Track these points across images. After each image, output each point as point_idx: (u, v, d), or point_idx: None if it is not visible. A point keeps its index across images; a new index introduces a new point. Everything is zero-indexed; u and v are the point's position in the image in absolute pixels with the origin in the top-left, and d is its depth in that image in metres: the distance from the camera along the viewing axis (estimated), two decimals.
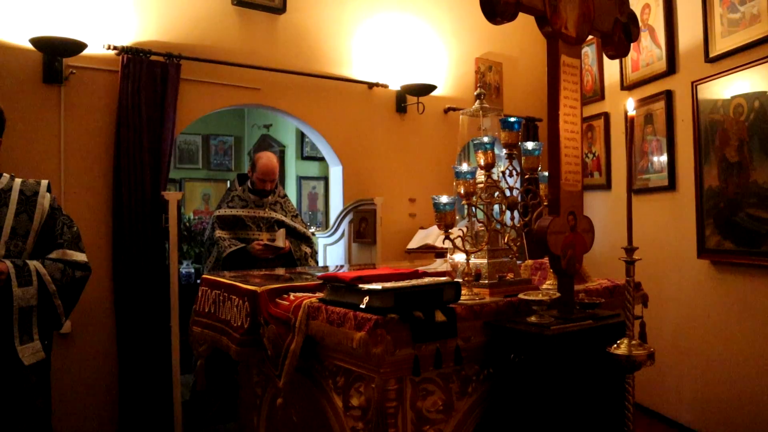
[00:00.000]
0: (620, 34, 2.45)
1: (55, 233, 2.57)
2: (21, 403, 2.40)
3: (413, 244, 4.85)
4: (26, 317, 2.38)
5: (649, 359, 1.90)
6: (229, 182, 8.12)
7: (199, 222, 7.55)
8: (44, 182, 2.62)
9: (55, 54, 3.60)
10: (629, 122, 2.08)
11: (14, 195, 2.49)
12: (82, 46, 3.54)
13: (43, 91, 3.69)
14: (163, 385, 3.87)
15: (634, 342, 1.91)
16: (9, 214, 2.45)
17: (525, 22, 2.33)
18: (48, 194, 2.60)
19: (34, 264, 2.42)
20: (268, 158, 4.26)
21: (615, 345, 1.93)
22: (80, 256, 2.60)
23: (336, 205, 5.10)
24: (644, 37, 4.69)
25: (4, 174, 2.54)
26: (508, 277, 2.41)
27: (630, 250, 1.93)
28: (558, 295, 2.15)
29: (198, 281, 5.29)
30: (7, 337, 2.34)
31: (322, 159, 7.43)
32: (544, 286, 2.48)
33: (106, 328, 3.85)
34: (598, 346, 1.99)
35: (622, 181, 5.17)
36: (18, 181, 2.55)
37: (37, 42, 3.46)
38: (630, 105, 2.02)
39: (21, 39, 3.55)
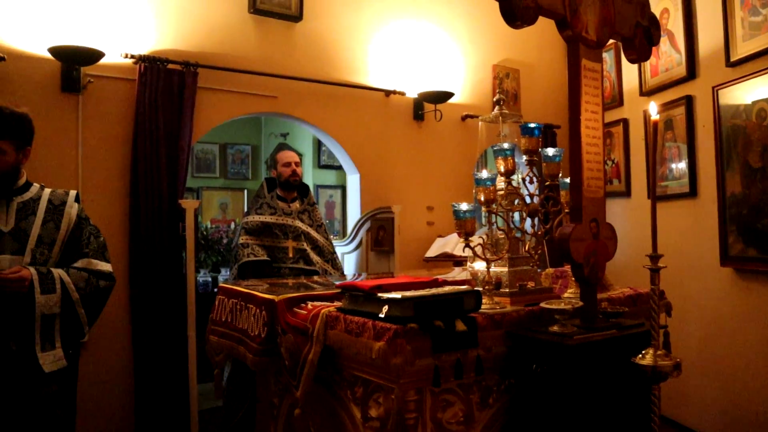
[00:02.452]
0: (641, 38, 2.41)
1: (81, 242, 2.60)
2: (41, 412, 2.40)
3: (431, 253, 4.81)
4: (48, 325, 2.40)
5: (676, 370, 1.85)
6: (255, 189, 8.11)
7: (217, 231, 7.56)
8: (72, 192, 2.67)
9: (73, 63, 3.63)
10: (652, 126, 2.04)
11: (42, 204, 2.54)
12: (99, 54, 3.56)
13: (61, 99, 3.72)
14: (179, 393, 3.86)
15: (659, 352, 1.86)
16: (36, 222, 2.49)
17: (542, 28, 2.31)
18: (76, 204, 2.64)
19: (58, 272, 2.45)
20: (284, 150, 4.37)
21: (640, 355, 1.88)
22: (105, 266, 2.63)
23: (353, 213, 5.08)
24: (663, 42, 4.63)
25: (34, 183, 2.58)
26: (529, 286, 2.37)
27: (655, 257, 1.89)
28: (581, 304, 2.10)
29: (215, 290, 5.29)
30: (29, 344, 2.35)
31: (339, 167, 7.42)
32: (566, 295, 2.44)
33: (122, 337, 3.85)
34: (623, 356, 1.94)
35: (641, 188, 5.10)
36: (47, 190, 2.60)
37: (55, 51, 3.48)
38: (653, 109, 1.97)
39: (40, 48, 3.58)
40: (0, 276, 2.29)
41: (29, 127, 2.53)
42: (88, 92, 3.79)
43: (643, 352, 1.88)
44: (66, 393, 2.52)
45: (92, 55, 3.54)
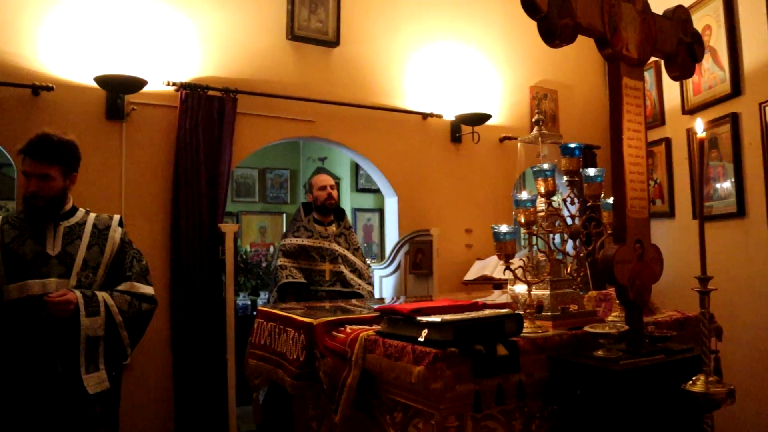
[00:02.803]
0: (684, 55, 2.36)
1: (124, 266, 2.65)
2: None
3: (470, 275, 4.76)
4: (93, 347, 2.45)
5: (729, 397, 1.77)
6: (293, 213, 8.18)
7: (256, 254, 7.63)
8: (116, 217, 2.74)
9: (118, 91, 3.74)
10: (698, 144, 1.98)
11: (88, 228, 2.61)
12: (142, 83, 3.66)
13: (106, 127, 3.82)
14: (219, 416, 3.87)
15: (711, 378, 1.79)
16: (82, 246, 2.55)
17: (579, 48, 2.28)
18: (120, 228, 2.70)
19: (102, 295, 2.50)
20: (320, 174, 4.47)
21: (690, 382, 1.81)
22: (147, 289, 2.68)
23: (391, 236, 5.06)
24: (706, 59, 4.53)
25: (80, 208, 2.65)
26: (571, 309, 2.31)
27: (704, 279, 1.82)
28: (626, 327, 2.04)
29: (254, 313, 5.31)
30: (74, 366, 2.39)
31: (376, 191, 7.44)
32: (610, 319, 2.37)
33: (162, 358, 3.88)
34: (672, 382, 1.87)
35: (685, 208, 4.97)
36: (92, 215, 2.67)
37: (101, 80, 3.59)
38: (699, 126, 1.92)
39: (86, 78, 3.70)
40: (47, 299, 2.34)
41: (76, 153, 2.60)
42: (132, 119, 3.88)
43: (694, 378, 1.81)
44: (109, 414, 2.55)
45: (136, 84, 3.64)
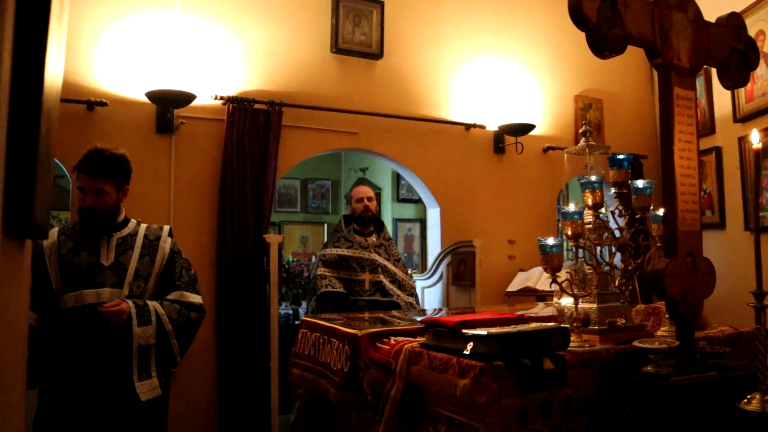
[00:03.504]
0: (738, 63, 2.31)
1: (174, 275, 2.71)
2: None
3: (513, 287, 4.71)
4: (145, 355, 2.51)
5: None
6: (334, 223, 8.25)
7: (298, 264, 7.69)
8: (166, 227, 2.81)
9: (168, 106, 3.83)
10: (754, 155, 1.93)
11: (139, 239, 2.68)
12: (191, 97, 3.74)
13: (156, 140, 3.93)
14: (261, 424, 3.91)
15: (767, 397, 1.73)
16: (134, 256, 2.62)
17: (624, 56, 2.24)
18: (169, 239, 2.77)
19: (153, 304, 2.56)
20: (359, 186, 4.52)
21: (745, 400, 1.75)
22: (196, 298, 2.73)
23: (434, 247, 5.05)
24: (759, 66, 4.40)
25: (131, 219, 2.72)
26: (619, 323, 2.27)
27: (760, 294, 1.77)
28: (676, 343, 1.99)
29: (296, 322, 5.34)
30: (127, 374, 2.46)
31: (418, 201, 7.43)
32: (659, 333, 2.32)
33: (207, 366, 3.95)
34: (725, 400, 1.81)
35: (736, 219, 4.83)
36: (143, 226, 2.74)
37: (151, 95, 3.69)
38: (755, 137, 1.87)
39: (138, 93, 3.81)
40: (102, 309, 2.41)
41: (128, 167, 2.68)
42: (180, 133, 3.98)
43: (749, 396, 1.75)
44: (159, 420, 2.61)
45: (185, 98, 3.73)
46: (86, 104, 3.70)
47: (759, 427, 1.75)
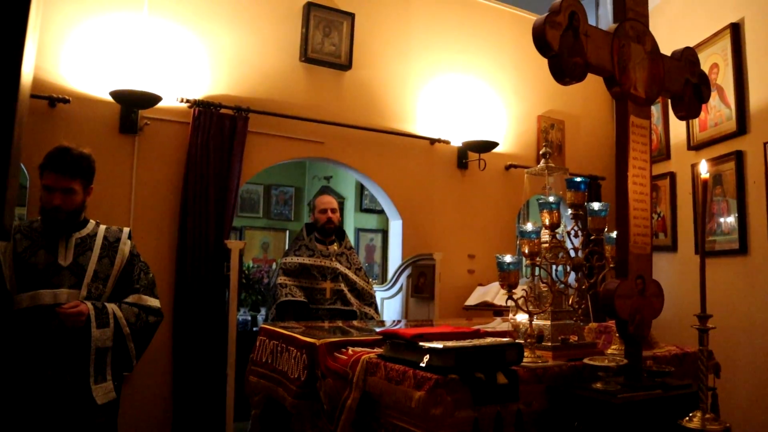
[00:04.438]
0: (691, 95, 2.41)
1: (132, 278, 2.70)
2: None
3: (471, 301, 4.78)
4: (102, 358, 2.49)
5: None
6: (296, 230, 8.23)
7: (258, 270, 7.65)
8: (126, 230, 2.78)
9: (132, 106, 3.80)
10: (702, 185, 2.03)
11: (98, 240, 2.65)
12: (157, 99, 3.72)
13: (119, 140, 3.88)
14: (216, 430, 3.87)
15: (708, 416, 1.81)
16: (93, 258, 2.59)
17: (587, 81, 2.33)
18: (129, 241, 2.75)
19: (112, 307, 2.54)
20: (324, 195, 4.56)
21: (687, 418, 1.83)
22: (154, 302, 2.72)
23: (395, 258, 5.09)
24: (713, 97, 4.59)
25: (91, 220, 2.69)
26: (571, 340, 2.34)
27: (703, 317, 1.85)
28: (625, 361, 2.06)
29: (255, 329, 5.30)
30: (83, 377, 2.43)
31: (380, 212, 7.48)
32: (610, 351, 2.39)
33: (163, 371, 3.90)
34: (669, 417, 1.89)
35: (688, 242, 5.00)
36: (102, 227, 2.71)
37: (116, 95, 3.66)
38: (703, 168, 1.96)
39: (102, 92, 3.77)
40: (60, 310, 2.38)
41: (93, 167, 2.66)
42: (144, 134, 3.94)
43: (691, 414, 1.83)
44: (110, 425, 2.58)
45: (150, 99, 3.70)
46: (48, 100, 3.63)
47: None
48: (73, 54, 3.77)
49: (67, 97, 3.66)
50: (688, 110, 2.43)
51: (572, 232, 2.41)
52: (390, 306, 5.07)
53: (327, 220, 4.30)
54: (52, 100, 3.63)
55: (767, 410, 4.06)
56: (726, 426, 1.79)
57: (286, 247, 8.23)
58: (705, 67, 4.61)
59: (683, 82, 2.39)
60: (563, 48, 1.95)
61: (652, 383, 2.08)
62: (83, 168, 2.57)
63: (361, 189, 8.03)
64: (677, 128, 5.12)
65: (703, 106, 3.96)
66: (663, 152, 5.30)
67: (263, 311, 6.74)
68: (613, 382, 2.01)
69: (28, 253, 2.50)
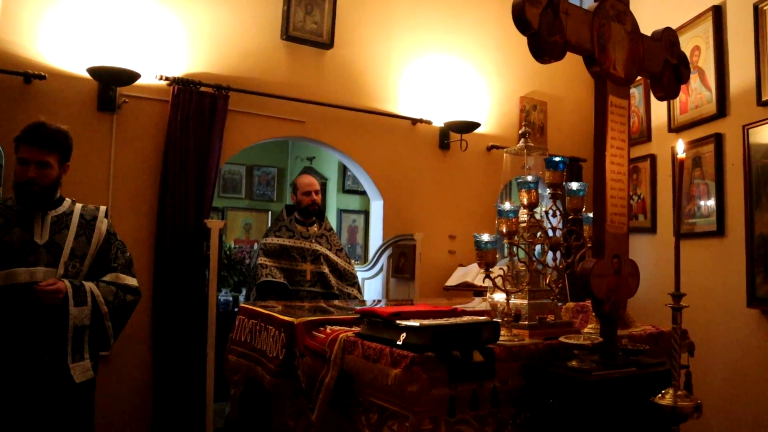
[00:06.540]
0: (670, 76, 2.42)
1: (109, 257, 2.67)
2: (66, 421, 2.45)
3: (452, 282, 4.80)
4: (79, 336, 2.47)
5: (696, 411, 1.82)
6: (279, 211, 8.20)
7: (240, 251, 7.63)
8: (102, 208, 2.75)
9: (110, 83, 3.74)
10: (678, 165, 2.04)
11: (75, 218, 2.62)
12: (135, 76, 3.66)
13: (97, 118, 3.82)
14: (196, 411, 3.88)
15: (680, 392, 1.84)
16: (69, 236, 2.56)
17: (570, 62, 2.33)
18: (106, 219, 2.72)
19: (89, 285, 2.52)
20: (306, 176, 4.53)
21: (660, 395, 1.85)
22: (132, 281, 2.70)
23: (376, 239, 5.10)
24: (693, 80, 4.62)
25: (66, 198, 2.65)
26: (548, 319, 2.36)
27: (677, 296, 1.87)
28: (600, 339, 2.09)
29: (235, 309, 5.30)
30: (60, 355, 2.41)
31: (363, 193, 7.46)
32: (586, 330, 2.42)
33: (142, 350, 3.88)
34: (642, 395, 1.91)
35: (667, 224, 5.05)
36: (79, 205, 2.68)
37: (93, 71, 3.59)
38: (680, 147, 1.97)
39: (79, 68, 3.69)
40: (37, 288, 2.35)
41: (70, 143, 2.62)
42: (123, 112, 3.88)
43: (663, 391, 1.85)
44: (87, 403, 2.57)
45: (128, 76, 3.64)
46: (23, 76, 3.56)
47: (671, 420, 1.85)
48: (50, 29, 3.69)
49: (43, 74, 3.59)
50: (667, 91, 2.44)
51: (550, 212, 2.42)
52: (371, 286, 5.08)
53: (311, 202, 4.28)
54: (28, 76, 3.56)
55: (741, 389, 4.14)
56: (697, 403, 1.82)
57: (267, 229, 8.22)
58: (686, 49, 4.62)
59: (663, 63, 2.40)
60: (543, 26, 1.94)
61: (626, 361, 2.11)
62: (60, 141, 2.53)
63: (343, 170, 8.01)
64: (658, 110, 5.15)
65: (684, 88, 3.97)
66: (644, 134, 5.32)
67: (245, 292, 6.74)
68: (588, 360, 2.03)
69: (3, 231, 2.46)
